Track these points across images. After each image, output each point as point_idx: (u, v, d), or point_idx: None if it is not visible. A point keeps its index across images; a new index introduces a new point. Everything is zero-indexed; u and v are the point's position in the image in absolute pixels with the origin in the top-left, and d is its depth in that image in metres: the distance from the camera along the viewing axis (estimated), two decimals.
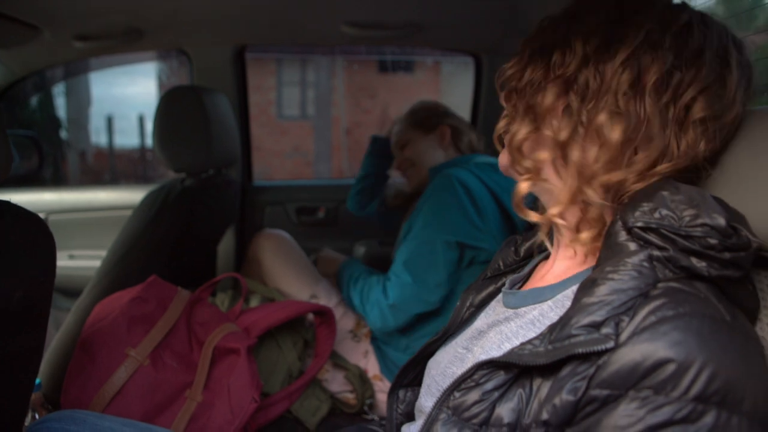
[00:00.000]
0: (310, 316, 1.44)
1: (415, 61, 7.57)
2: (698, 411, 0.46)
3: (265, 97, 7.56)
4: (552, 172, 0.64)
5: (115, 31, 1.58)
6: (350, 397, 1.40)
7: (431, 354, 0.80)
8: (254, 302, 1.44)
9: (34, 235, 0.86)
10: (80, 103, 7.95)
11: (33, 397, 1.19)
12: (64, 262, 2.22)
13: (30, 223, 0.85)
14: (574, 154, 0.60)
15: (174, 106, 1.41)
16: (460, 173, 1.38)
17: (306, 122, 7.73)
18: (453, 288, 1.35)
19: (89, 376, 1.06)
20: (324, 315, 1.33)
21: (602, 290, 0.53)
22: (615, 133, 0.58)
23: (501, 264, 0.80)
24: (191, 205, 1.45)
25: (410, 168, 1.65)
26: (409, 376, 0.88)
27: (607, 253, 0.57)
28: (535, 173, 0.64)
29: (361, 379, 1.38)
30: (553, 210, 0.63)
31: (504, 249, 0.82)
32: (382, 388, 1.41)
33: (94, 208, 2.20)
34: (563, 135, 0.61)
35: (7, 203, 0.82)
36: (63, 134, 7.42)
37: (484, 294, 0.78)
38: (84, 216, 2.20)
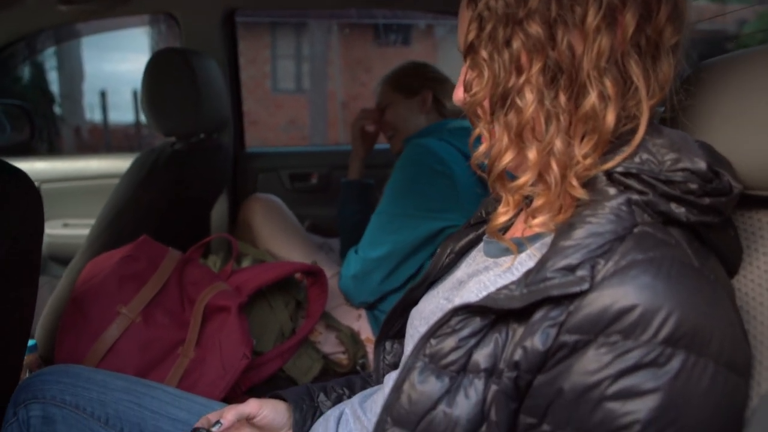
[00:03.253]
0: (304, 279, 1.45)
1: (410, 30, 7.46)
2: (666, 354, 0.46)
3: (260, 71, 7.47)
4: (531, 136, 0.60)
5: None
6: (342, 357, 1.41)
7: (414, 302, 0.81)
8: (246, 264, 1.45)
9: (17, 187, 0.86)
10: (73, 77, 7.87)
11: (29, 358, 1.21)
12: (58, 230, 2.22)
13: (12, 176, 0.85)
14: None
15: (161, 67, 1.40)
16: (431, 143, 1.37)
17: (301, 96, 7.66)
18: (424, 263, 1.36)
19: (82, 333, 1.07)
20: (316, 275, 1.33)
21: (579, 233, 0.52)
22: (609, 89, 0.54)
23: (483, 212, 0.80)
24: (181, 168, 1.45)
25: (392, 133, 1.63)
26: (395, 327, 0.89)
27: (587, 196, 0.56)
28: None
29: (353, 340, 1.40)
30: (525, 178, 0.59)
31: (488, 197, 0.82)
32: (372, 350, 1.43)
33: (87, 177, 2.20)
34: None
35: None
36: (57, 109, 7.37)
37: (464, 241, 0.78)
38: (77, 185, 2.20)
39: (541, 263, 0.54)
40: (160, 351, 1.12)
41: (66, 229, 2.23)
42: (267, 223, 1.57)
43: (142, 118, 1.44)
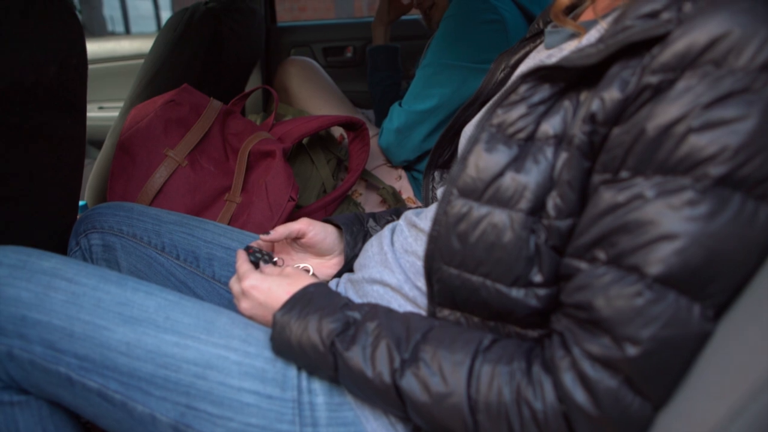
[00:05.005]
0: (345, 139, 1.43)
1: None
2: (762, 80, 0.43)
3: None
4: None
5: None
6: None
7: (465, 123, 0.78)
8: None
9: (60, 13, 0.84)
10: None
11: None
12: (93, 113, 2.23)
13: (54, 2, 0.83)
14: None
15: None
16: None
17: None
18: None
19: (131, 176, 1.09)
20: (357, 129, 1.31)
21: None
22: None
23: (541, 23, 0.75)
24: (216, 26, 1.41)
25: (431, 6, 1.53)
26: (445, 155, 0.87)
27: None
28: None
29: (394, 197, 1.39)
30: None
31: (547, 8, 0.77)
32: None
33: (119, 58, 2.17)
34: None
35: None
36: (78, 16, 7.24)
37: (520, 54, 0.74)
38: (110, 65, 2.18)
39: (619, 18, 0.51)
40: (207, 196, 1.13)
41: (102, 112, 2.24)
42: (304, 84, 1.54)
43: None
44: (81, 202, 1.42)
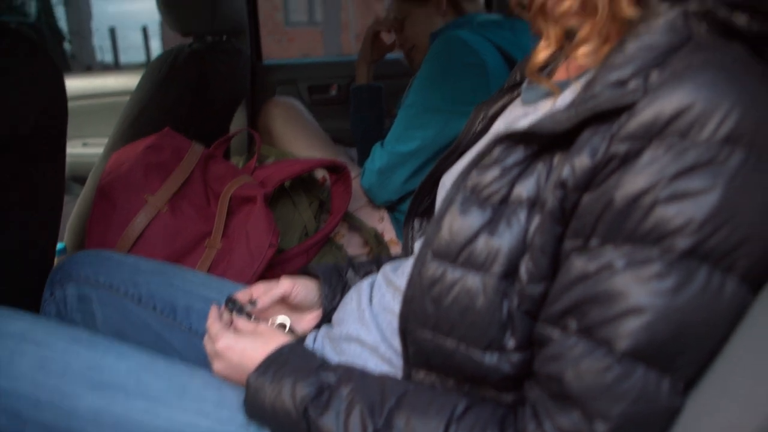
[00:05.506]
0: (327, 180, 1.43)
1: None
2: (725, 152, 0.44)
3: (271, 3, 7.27)
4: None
5: None
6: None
7: (444, 173, 0.79)
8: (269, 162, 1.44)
9: (39, 64, 0.85)
10: (81, 16, 7.75)
11: (58, 261, 1.23)
12: (78, 149, 2.22)
13: (33, 54, 0.83)
14: None
15: None
16: (462, 34, 1.31)
17: (314, 28, 7.47)
18: None
19: (110, 221, 1.08)
20: (339, 172, 1.32)
21: (631, 48, 0.50)
22: None
23: (519, 75, 0.76)
24: (200, 68, 1.42)
25: (412, 49, 1.57)
26: (424, 203, 0.87)
27: (638, 13, 0.52)
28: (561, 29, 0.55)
29: (377, 240, 1.39)
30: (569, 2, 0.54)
31: (524, 60, 0.78)
32: (398, 252, 1.43)
33: (105, 94, 2.18)
34: None
35: (6, 24, 0.80)
36: (67, 47, 7.29)
37: (498, 105, 0.75)
38: (95, 102, 2.18)
39: (590, 84, 0.52)
40: (187, 242, 1.12)
41: (86, 149, 2.23)
42: (287, 125, 1.55)
43: (154, 56, 1.41)
44: (60, 245, 1.41)
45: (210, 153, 1.24)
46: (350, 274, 0.89)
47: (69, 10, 7.37)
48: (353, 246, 1.42)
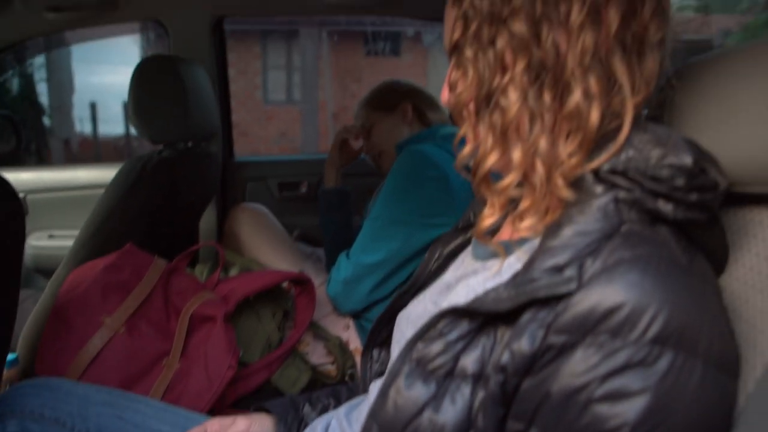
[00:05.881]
0: (293, 289, 1.43)
1: (400, 39, 7.50)
2: (655, 354, 0.45)
3: (251, 82, 7.48)
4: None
5: (88, 2, 1.55)
6: (331, 368, 1.40)
7: (401, 309, 0.80)
8: (233, 273, 1.43)
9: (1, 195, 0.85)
10: (62, 89, 7.85)
11: (9, 373, 1.18)
12: (43, 242, 2.19)
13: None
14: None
15: (149, 74, 1.39)
16: (425, 148, 1.37)
17: (293, 107, 7.67)
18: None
19: (64, 344, 1.05)
20: (303, 284, 1.32)
21: (566, 233, 0.52)
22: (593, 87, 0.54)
23: (472, 215, 0.79)
24: (169, 176, 1.43)
25: (379, 155, 1.63)
26: (382, 334, 0.88)
27: (574, 195, 0.55)
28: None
29: (341, 350, 1.38)
30: (509, 179, 0.57)
31: (477, 200, 0.81)
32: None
33: (74, 187, 2.18)
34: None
35: None
36: (46, 121, 7.33)
37: (453, 245, 0.77)
38: (64, 195, 2.17)
39: (529, 264, 0.53)
40: (144, 362, 1.10)
41: (51, 241, 2.20)
42: (254, 232, 1.56)
43: (133, 130, 1.43)
44: (11, 355, 1.36)
45: (173, 267, 1.23)
46: (307, 409, 0.88)
47: (51, 86, 7.47)
48: (317, 355, 1.40)
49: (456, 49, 0.59)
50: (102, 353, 1.06)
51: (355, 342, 1.43)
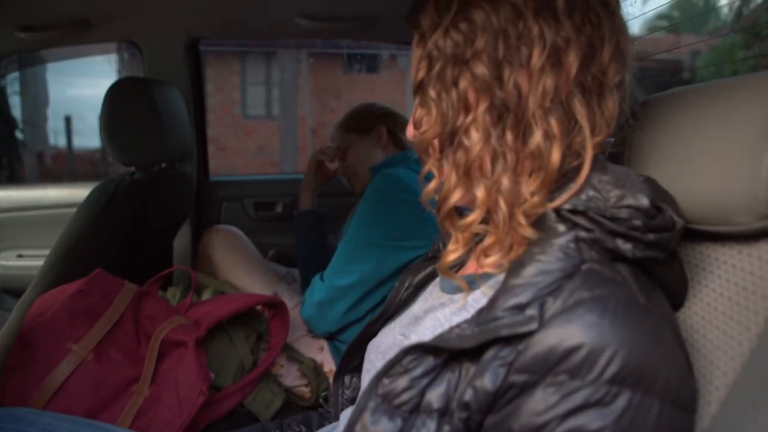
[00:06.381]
0: (266, 312, 1.42)
1: (377, 58, 7.57)
2: (612, 393, 0.46)
3: (229, 97, 7.46)
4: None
5: (61, 22, 1.54)
6: (305, 390, 1.39)
7: (373, 336, 0.80)
8: (206, 295, 1.42)
9: None
10: (37, 103, 7.73)
11: None
12: (12, 261, 2.15)
13: None
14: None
15: (121, 97, 1.38)
16: (398, 172, 1.38)
17: (271, 122, 7.65)
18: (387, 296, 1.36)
19: (29, 372, 1.03)
20: (277, 307, 1.31)
21: (528, 271, 0.53)
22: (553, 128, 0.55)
23: (441, 245, 0.80)
24: (141, 198, 1.42)
25: (353, 176, 1.65)
26: (354, 361, 0.88)
27: (537, 233, 0.56)
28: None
29: (315, 372, 1.37)
30: (473, 217, 0.59)
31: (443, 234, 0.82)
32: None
33: (44, 206, 2.14)
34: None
35: None
36: (19, 135, 7.20)
37: (422, 275, 0.78)
38: (33, 214, 2.14)
39: (492, 302, 0.54)
40: (112, 389, 1.07)
41: (20, 261, 2.16)
42: (227, 254, 1.55)
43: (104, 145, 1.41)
44: None
45: (144, 290, 1.22)
46: None
47: (24, 99, 7.35)
48: (291, 377, 1.39)
49: (420, 88, 0.60)
50: (68, 381, 1.03)
51: (329, 364, 1.42)
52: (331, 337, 1.44)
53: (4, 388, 1.03)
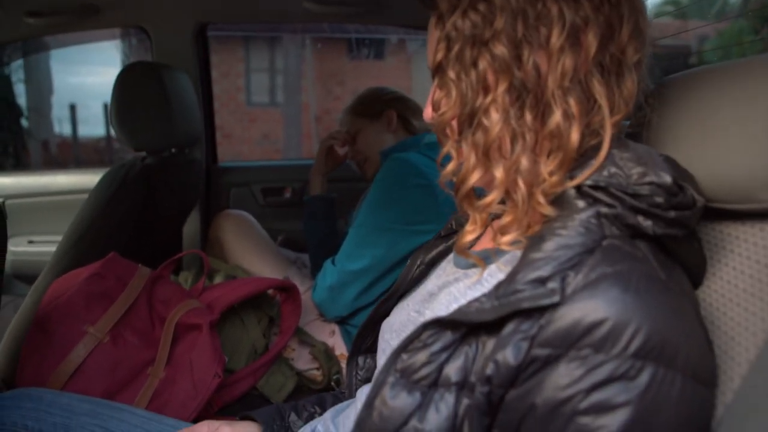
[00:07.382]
0: (278, 295, 1.43)
1: (384, 44, 7.50)
2: (637, 367, 0.47)
3: (234, 84, 7.43)
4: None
5: (69, 7, 1.53)
6: (317, 374, 1.40)
7: (385, 316, 0.81)
8: (218, 280, 1.43)
9: None
10: (41, 91, 7.73)
11: None
12: (23, 247, 2.16)
13: None
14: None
15: (131, 82, 1.38)
16: (410, 156, 1.38)
17: (275, 109, 7.63)
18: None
19: (45, 355, 1.04)
20: (289, 291, 1.32)
21: (549, 246, 0.53)
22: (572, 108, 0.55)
23: (453, 223, 0.80)
24: (152, 183, 1.43)
25: (364, 161, 1.64)
26: (367, 342, 0.88)
27: (556, 210, 0.57)
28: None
29: (326, 355, 1.38)
30: (492, 197, 0.59)
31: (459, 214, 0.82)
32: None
33: (54, 192, 2.15)
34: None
35: None
36: (24, 123, 7.20)
37: (434, 252, 0.78)
38: (43, 200, 2.15)
39: (512, 275, 0.54)
40: (128, 371, 1.09)
41: (31, 246, 2.17)
42: (238, 239, 1.55)
43: (113, 131, 1.41)
44: None
45: (157, 275, 1.23)
46: (293, 417, 0.88)
47: (29, 87, 7.34)
48: (303, 361, 1.40)
49: (439, 70, 0.60)
50: (85, 363, 1.05)
51: (340, 348, 1.43)
52: (342, 321, 1.45)
53: (22, 370, 1.05)
